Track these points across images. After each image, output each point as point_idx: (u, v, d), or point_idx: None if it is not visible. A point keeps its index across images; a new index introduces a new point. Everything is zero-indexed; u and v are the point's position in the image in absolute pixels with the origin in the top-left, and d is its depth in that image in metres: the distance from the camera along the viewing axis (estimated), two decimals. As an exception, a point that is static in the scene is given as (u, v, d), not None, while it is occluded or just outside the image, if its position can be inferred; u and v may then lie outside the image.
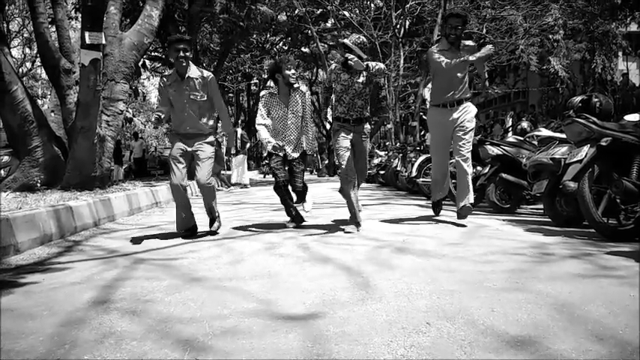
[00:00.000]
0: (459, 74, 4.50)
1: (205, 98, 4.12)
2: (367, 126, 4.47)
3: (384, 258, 3.07)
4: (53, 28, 7.62)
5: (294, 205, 4.66)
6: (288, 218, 4.73)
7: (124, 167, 16.64)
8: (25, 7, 20.20)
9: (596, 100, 4.07)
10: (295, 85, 4.50)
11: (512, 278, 2.48)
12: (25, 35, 26.17)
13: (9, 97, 6.01)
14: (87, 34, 5.44)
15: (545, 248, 3.28)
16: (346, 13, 18.25)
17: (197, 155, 4.11)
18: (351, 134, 4.36)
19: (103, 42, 5.76)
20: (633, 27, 17.10)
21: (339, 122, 4.38)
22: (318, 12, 21.44)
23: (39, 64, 24.62)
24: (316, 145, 4.48)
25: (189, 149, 4.10)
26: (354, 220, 4.37)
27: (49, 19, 7.42)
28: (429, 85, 4.69)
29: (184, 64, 4.01)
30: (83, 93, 5.71)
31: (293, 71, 4.49)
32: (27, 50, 27.35)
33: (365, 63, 4.14)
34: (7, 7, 21.26)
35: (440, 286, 2.37)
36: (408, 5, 16.41)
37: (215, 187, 4.24)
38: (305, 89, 4.60)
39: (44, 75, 23.37)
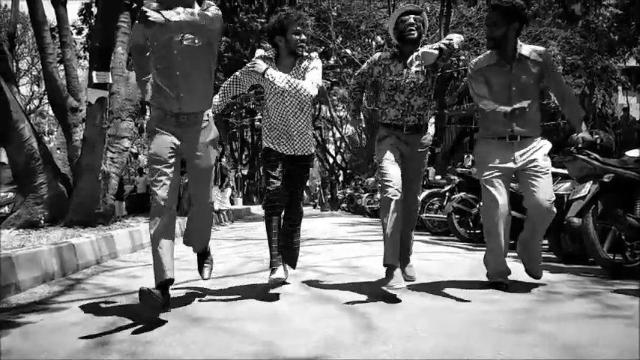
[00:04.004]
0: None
1: (201, 43, 2.64)
2: (428, 137, 3.30)
3: (387, 297, 3.03)
4: (61, 67, 7.80)
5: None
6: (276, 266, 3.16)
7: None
8: (35, 46, 20.75)
9: (597, 136, 4.10)
10: (304, 55, 3.21)
11: (518, 319, 2.44)
12: (33, 73, 26.78)
13: (16, 135, 6.09)
14: (94, 73, 5.56)
15: (551, 286, 3.24)
16: (348, 50, 18.66)
17: (194, 164, 2.79)
18: (403, 145, 3.22)
19: (110, 81, 5.89)
20: (632, 62, 17.35)
21: (388, 129, 3.24)
22: (321, 50, 21.89)
23: (46, 101, 25.08)
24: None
25: (179, 144, 2.69)
26: (390, 266, 2.99)
27: (58, 59, 7.61)
28: None
29: None
30: (89, 131, 5.79)
31: (304, 37, 3.16)
32: (35, 88, 27.94)
33: (437, 46, 2.93)
34: (17, 47, 21.85)
35: (444, 327, 2.33)
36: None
37: (213, 207, 3.15)
38: (315, 55, 3.25)
39: (51, 112, 23.82)
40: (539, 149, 3.14)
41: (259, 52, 3.28)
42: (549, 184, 3.08)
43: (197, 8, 2.62)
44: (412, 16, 3.16)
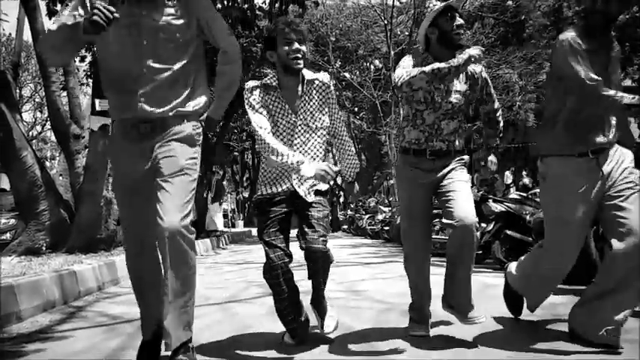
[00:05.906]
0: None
1: (181, 21, 1.99)
2: (465, 157, 2.61)
3: (391, 323, 3.02)
4: (64, 94, 7.89)
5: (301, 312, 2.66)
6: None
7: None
8: (38, 73, 21.04)
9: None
10: (309, 77, 2.42)
11: (524, 346, 2.43)
12: (36, 100, 27.07)
13: (19, 163, 6.15)
14: (97, 101, 5.66)
15: (555, 309, 3.23)
16: (347, 74, 18.91)
17: (159, 168, 1.93)
18: (428, 176, 2.54)
19: (113, 108, 5.96)
20: (627, 82, 17.53)
21: (406, 155, 2.60)
22: (320, 73, 22.26)
23: (49, 127, 25.30)
24: (357, 166, 2.66)
25: (147, 163, 1.98)
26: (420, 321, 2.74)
27: (61, 86, 7.70)
28: None
29: None
30: (91, 157, 5.86)
31: (297, 46, 2.31)
32: (38, 114, 28.20)
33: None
34: (20, 75, 22.13)
35: (450, 356, 2.32)
36: (406, 66, 17.04)
37: (194, 244, 1.97)
38: (327, 79, 2.49)
39: (53, 137, 23.99)
40: (626, 157, 2.38)
41: (250, 83, 2.42)
42: None
43: None
44: (457, 14, 2.46)
